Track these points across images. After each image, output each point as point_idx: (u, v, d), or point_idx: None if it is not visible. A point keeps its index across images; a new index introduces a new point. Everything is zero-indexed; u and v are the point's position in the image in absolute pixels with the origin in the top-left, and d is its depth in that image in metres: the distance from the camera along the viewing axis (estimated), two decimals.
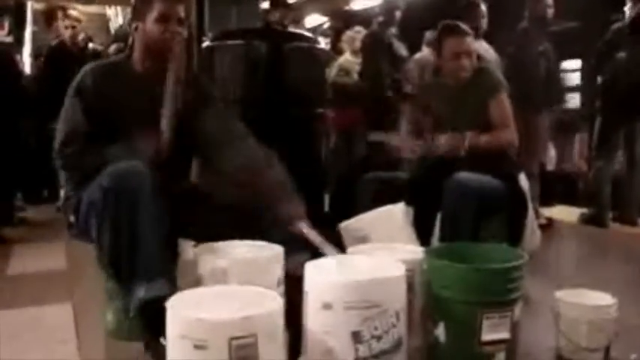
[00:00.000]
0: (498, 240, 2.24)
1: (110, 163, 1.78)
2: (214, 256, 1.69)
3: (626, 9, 4.18)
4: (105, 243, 1.74)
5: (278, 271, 1.68)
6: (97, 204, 1.75)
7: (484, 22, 3.89)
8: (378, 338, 1.46)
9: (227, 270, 1.61)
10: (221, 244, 1.77)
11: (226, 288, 1.51)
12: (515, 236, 2.44)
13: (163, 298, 1.41)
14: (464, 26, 2.64)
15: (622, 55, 4.04)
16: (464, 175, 2.33)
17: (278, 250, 1.72)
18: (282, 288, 1.66)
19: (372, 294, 1.46)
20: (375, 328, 1.45)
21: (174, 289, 1.49)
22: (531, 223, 2.57)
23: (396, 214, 2.21)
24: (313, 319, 1.50)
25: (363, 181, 2.59)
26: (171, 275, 1.74)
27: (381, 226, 2.16)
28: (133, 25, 2.03)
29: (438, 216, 2.36)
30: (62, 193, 2.14)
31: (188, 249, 1.90)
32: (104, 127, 1.90)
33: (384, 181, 2.59)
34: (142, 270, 1.68)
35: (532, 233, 2.56)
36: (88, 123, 1.90)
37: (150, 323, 1.65)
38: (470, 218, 2.26)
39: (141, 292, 1.66)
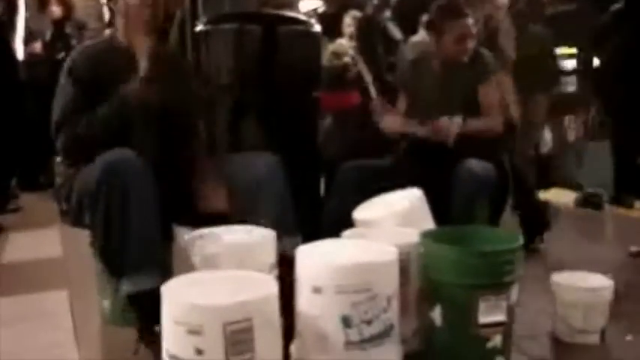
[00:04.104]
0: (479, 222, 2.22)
1: (103, 128, 1.82)
2: (206, 242, 1.68)
3: None
4: (96, 235, 1.76)
5: (271, 255, 1.67)
6: (89, 195, 1.75)
7: None
8: (369, 322, 1.46)
9: (219, 255, 1.60)
10: (213, 230, 1.76)
11: (221, 273, 1.50)
12: (495, 218, 2.43)
13: (150, 291, 1.42)
14: (463, 6, 2.57)
15: (618, 38, 4.02)
16: (475, 163, 2.30)
17: (270, 234, 1.71)
18: (275, 272, 1.65)
19: (361, 278, 1.46)
20: (365, 313, 1.45)
21: (163, 279, 1.46)
22: None
23: (421, 199, 2.08)
24: (304, 303, 1.51)
25: (342, 169, 2.52)
26: (160, 266, 1.73)
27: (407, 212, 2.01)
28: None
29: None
30: (57, 179, 2.14)
31: (183, 235, 1.90)
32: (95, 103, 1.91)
33: (367, 168, 2.53)
34: (129, 263, 1.69)
35: None
36: (79, 100, 1.92)
37: (141, 313, 1.65)
38: (484, 205, 2.23)
39: (127, 286, 1.68)
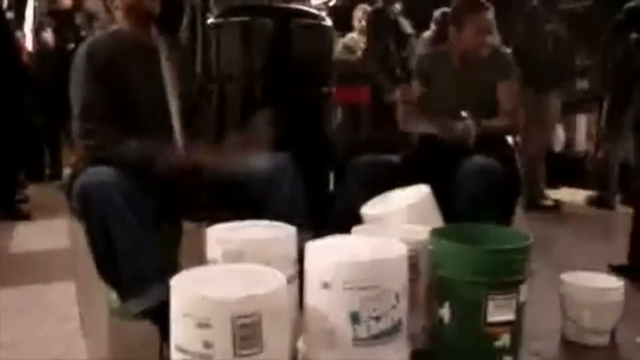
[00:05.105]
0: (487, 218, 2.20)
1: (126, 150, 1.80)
2: (228, 238, 1.63)
3: None
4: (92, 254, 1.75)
5: (292, 251, 1.64)
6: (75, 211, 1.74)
7: None
8: (377, 319, 1.45)
9: (242, 252, 1.57)
10: (233, 225, 1.73)
11: (231, 266, 1.49)
12: (507, 218, 2.40)
13: (158, 306, 1.44)
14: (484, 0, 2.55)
15: (634, 35, 3.98)
16: (482, 160, 2.28)
17: (291, 229, 1.67)
18: (296, 268, 1.62)
19: (370, 274, 1.44)
20: (374, 309, 1.44)
21: (164, 295, 1.38)
22: None
23: (429, 195, 2.06)
24: (312, 298, 1.50)
25: (352, 164, 2.48)
26: (163, 279, 1.55)
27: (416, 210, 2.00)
28: None
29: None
30: (65, 171, 2.13)
31: (196, 230, 1.88)
32: (112, 94, 1.91)
33: (377, 164, 2.48)
34: (125, 287, 1.69)
35: None
36: (100, 90, 1.89)
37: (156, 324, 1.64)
38: (490, 202, 2.20)
39: (132, 307, 1.66)
